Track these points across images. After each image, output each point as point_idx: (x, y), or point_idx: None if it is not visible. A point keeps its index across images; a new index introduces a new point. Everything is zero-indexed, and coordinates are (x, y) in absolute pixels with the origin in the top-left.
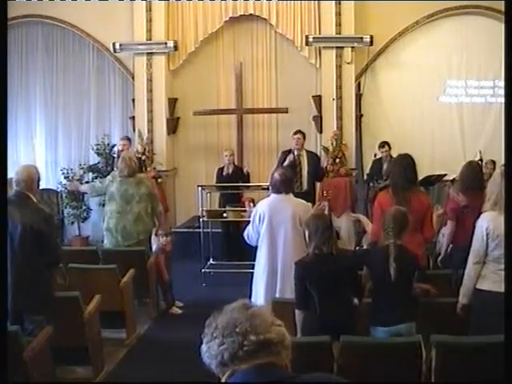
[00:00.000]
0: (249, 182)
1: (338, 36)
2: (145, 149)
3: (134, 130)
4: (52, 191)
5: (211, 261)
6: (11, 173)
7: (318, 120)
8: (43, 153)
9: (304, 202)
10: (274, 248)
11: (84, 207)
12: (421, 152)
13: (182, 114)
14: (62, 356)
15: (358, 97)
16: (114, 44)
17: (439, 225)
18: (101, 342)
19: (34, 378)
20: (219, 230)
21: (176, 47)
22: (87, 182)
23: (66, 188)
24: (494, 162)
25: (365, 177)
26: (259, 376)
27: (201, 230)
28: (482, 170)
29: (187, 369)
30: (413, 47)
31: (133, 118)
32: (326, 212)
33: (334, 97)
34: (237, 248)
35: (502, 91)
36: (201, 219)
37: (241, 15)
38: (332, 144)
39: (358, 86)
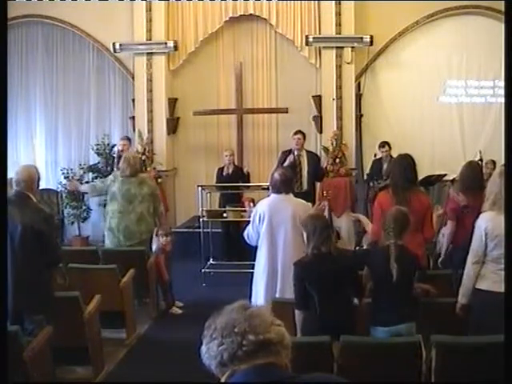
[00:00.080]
0: (249, 182)
1: (338, 36)
2: (145, 149)
3: (134, 130)
4: (52, 191)
5: (211, 261)
6: (11, 173)
7: (318, 120)
8: (43, 153)
9: (304, 201)
10: (274, 248)
11: (84, 207)
12: (421, 152)
13: (182, 114)
14: (62, 356)
15: (358, 97)
16: (114, 44)
17: (439, 225)
18: (101, 342)
19: (34, 378)
20: (219, 230)
21: (176, 47)
22: (87, 182)
23: (65, 188)
24: (494, 162)
25: (365, 177)
26: (259, 376)
27: (201, 229)
28: (482, 170)
29: (187, 369)
30: (413, 47)
31: (133, 117)
32: (326, 212)
33: (334, 97)
34: (237, 248)
35: (502, 91)
36: (201, 219)
37: (241, 15)
38: (332, 144)
39: (358, 86)
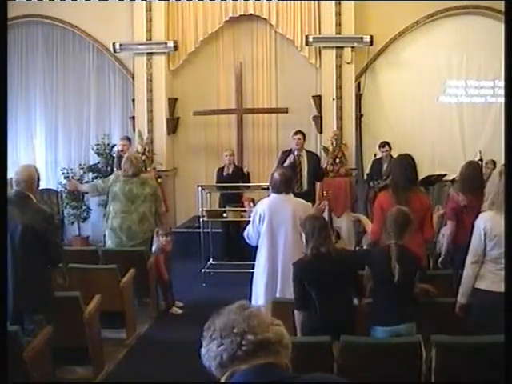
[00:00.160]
0: (249, 182)
1: (338, 36)
2: (145, 149)
3: (134, 130)
4: (52, 191)
5: (211, 261)
6: (11, 173)
7: (318, 120)
8: (43, 153)
9: (304, 201)
10: (274, 248)
11: (84, 207)
12: (421, 152)
13: (182, 114)
14: (62, 356)
15: (358, 97)
16: (114, 44)
17: (439, 225)
18: (101, 342)
19: (34, 378)
20: (219, 230)
21: (176, 47)
22: (87, 182)
23: (65, 188)
24: (494, 162)
25: (365, 177)
26: (259, 376)
27: (201, 229)
28: (482, 170)
29: (187, 369)
30: (413, 47)
31: (133, 117)
32: (326, 212)
33: (334, 97)
34: (237, 248)
35: (502, 91)
36: (201, 219)
37: (241, 15)
38: (332, 144)
39: (358, 86)
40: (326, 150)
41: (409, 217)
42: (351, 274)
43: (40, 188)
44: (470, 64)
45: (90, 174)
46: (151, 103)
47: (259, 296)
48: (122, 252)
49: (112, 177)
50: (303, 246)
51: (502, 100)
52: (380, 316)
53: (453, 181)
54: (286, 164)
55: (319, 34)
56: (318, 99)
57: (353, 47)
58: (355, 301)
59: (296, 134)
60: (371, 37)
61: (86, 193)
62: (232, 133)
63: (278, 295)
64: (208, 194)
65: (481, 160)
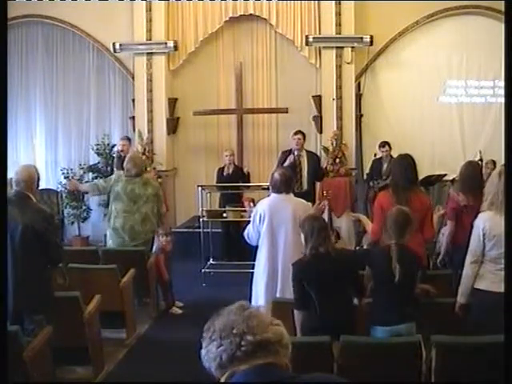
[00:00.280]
0: (249, 182)
1: (338, 36)
2: (145, 149)
3: (134, 130)
4: (52, 191)
5: (211, 261)
6: (11, 173)
7: (318, 120)
8: (43, 153)
9: (304, 201)
10: (275, 248)
11: (84, 207)
12: (421, 152)
13: (182, 114)
14: (62, 356)
15: (358, 97)
16: (114, 44)
17: (439, 225)
18: (101, 342)
19: (34, 378)
20: (219, 230)
21: (176, 47)
22: (87, 182)
23: (65, 188)
24: (494, 162)
25: (365, 177)
26: (259, 376)
27: (201, 229)
28: (482, 169)
29: (187, 369)
30: (413, 47)
31: (133, 118)
32: (326, 212)
33: (334, 97)
34: (237, 248)
35: (502, 91)
36: (201, 219)
37: (241, 15)
38: (332, 144)
39: (358, 86)
40: (326, 149)
41: (409, 217)
42: (351, 274)
43: (40, 188)
44: (470, 64)
45: (90, 173)
46: (151, 103)
47: (259, 296)
48: (122, 252)
49: (113, 176)
50: (303, 247)
51: (502, 100)
52: (380, 316)
53: (453, 181)
54: (286, 164)
55: (319, 34)
56: (318, 99)
57: (353, 47)
58: (355, 301)
59: (296, 134)
60: (371, 37)
61: (86, 192)
62: (232, 133)
63: (278, 295)
64: (208, 194)
65: (481, 160)
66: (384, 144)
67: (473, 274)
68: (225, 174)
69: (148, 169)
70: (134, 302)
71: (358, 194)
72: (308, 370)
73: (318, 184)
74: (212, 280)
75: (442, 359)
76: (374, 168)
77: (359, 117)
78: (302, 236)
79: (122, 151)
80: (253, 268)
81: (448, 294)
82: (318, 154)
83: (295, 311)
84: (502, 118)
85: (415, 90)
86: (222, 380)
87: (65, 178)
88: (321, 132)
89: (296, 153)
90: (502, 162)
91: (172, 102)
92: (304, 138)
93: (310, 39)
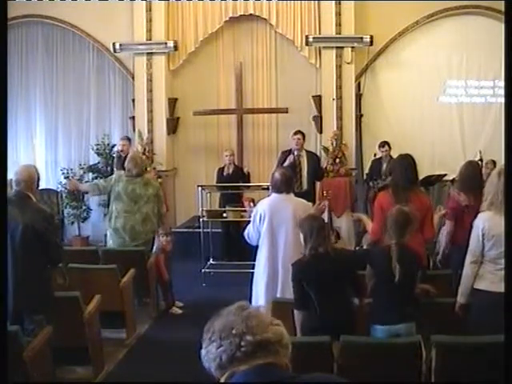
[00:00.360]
0: (249, 182)
1: (338, 36)
2: (145, 149)
3: (134, 130)
4: (52, 191)
5: (211, 261)
6: (11, 173)
7: (318, 120)
8: (43, 153)
9: (305, 201)
10: (275, 248)
11: (84, 207)
12: (421, 152)
13: (182, 114)
14: (62, 356)
15: (358, 97)
16: (114, 44)
17: (440, 225)
18: (101, 342)
19: (34, 378)
20: (219, 230)
21: (176, 47)
22: (87, 182)
23: (65, 188)
24: (494, 162)
25: (364, 177)
26: (259, 376)
27: (201, 229)
28: (482, 169)
29: (187, 369)
30: (413, 47)
31: (133, 117)
32: (326, 212)
33: (334, 97)
34: (237, 248)
35: (502, 91)
36: (201, 219)
37: (241, 15)
38: (332, 144)
39: (358, 86)
40: (326, 149)
41: (409, 216)
42: (350, 274)
43: (40, 188)
44: (470, 64)
45: (90, 174)
46: (151, 103)
47: (259, 296)
48: (122, 252)
49: (114, 176)
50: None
51: (502, 100)
52: (380, 315)
53: (453, 181)
54: (286, 164)
55: (319, 33)
56: (318, 99)
57: (353, 47)
58: (356, 301)
59: (295, 133)
60: (371, 37)
61: (86, 192)
62: (232, 133)
63: (278, 295)
64: (208, 194)
65: (481, 160)
66: (384, 144)
67: (472, 274)
68: (225, 173)
69: (148, 169)
70: (134, 302)
71: (357, 194)
72: (308, 370)
73: (317, 184)
74: (212, 280)
75: (442, 359)
76: (374, 168)
77: (359, 117)
78: (301, 236)
79: (121, 151)
80: (253, 268)
81: (448, 294)
82: (318, 154)
83: (295, 311)
84: (502, 118)
85: (415, 90)
86: (222, 380)
87: (65, 178)
88: (321, 132)
89: (296, 153)
90: (502, 162)
91: (172, 102)
92: (304, 138)
93: (310, 39)
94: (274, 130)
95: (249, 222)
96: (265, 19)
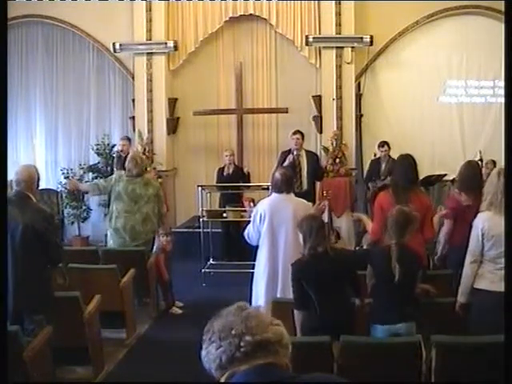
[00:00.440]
0: (249, 182)
1: (338, 36)
2: (145, 149)
3: (134, 130)
4: (52, 191)
5: (211, 261)
6: (11, 173)
7: (318, 120)
8: (43, 153)
9: (305, 201)
10: (275, 248)
11: (84, 207)
12: (421, 152)
13: (182, 114)
14: (62, 356)
15: (358, 97)
16: (114, 44)
17: (439, 225)
18: (101, 342)
19: (34, 378)
20: (219, 230)
21: (176, 47)
22: (87, 182)
23: (65, 188)
24: (494, 162)
25: (364, 177)
26: (259, 376)
27: (201, 229)
28: (481, 169)
29: (187, 369)
30: (413, 47)
31: (133, 117)
32: (327, 212)
33: (334, 97)
34: (237, 248)
35: (502, 91)
36: (201, 219)
37: (241, 15)
38: (332, 144)
39: (358, 86)
40: (326, 149)
41: (409, 216)
42: (350, 274)
43: (40, 188)
44: (470, 64)
45: (90, 174)
46: (151, 103)
47: (259, 296)
48: (122, 252)
49: (114, 176)
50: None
51: (502, 100)
52: (380, 315)
53: (453, 181)
54: (286, 164)
55: (319, 33)
56: (318, 99)
57: (353, 47)
58: (356, 301)
59: (295, 133)
60: (371, 37)
61: (87, 192)
62: (232, 133)
63: (278, 295)
64: (208, 194)
65: (481, 160)
66: (383, 144)
67: (472, 273)
68: (225, 173)
69: (148, 169)
70: (134, 302)
71: (357, 193)
72: (308, 370)
73: (317, 184)
74: (212, 280)
75: (442, 359)
76: (373, 168)
77: (359, 117)
78: (301, 236)
79: (121, 151)
80: (253, 268)
81: (448, 294)
82: (318, 154)
83: (295, 311)
84: (502, 118)
85: (415, 90)
86: (222, 379)
87: (65, 178)
88: (321, 132)
89: (295, 152)
90: (502, 161)
91: (172, 102)
92: (303, 138)
93: (310, 39)
94: (274, 130)
95: (249, 221)
96: (265, 19)
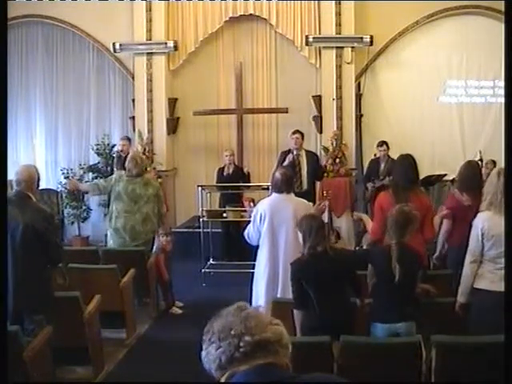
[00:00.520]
0: (249, 182)
1: (338, 36)
2: (145, 149)
3: (134, 130)
4: (52, 191)
5: (211, 261)
6: (11, 173)
7: (318, 120)
8: (43, 153)
9: (305, 201)
10: (275, 248)
11: (84, 207)
12: (421, 152)
13: (182, 114)
14: (62, 356)
15: (358, 97)
16: (114, 44)
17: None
18: (101, 342)
19: (34, 378)
20: (219, 230)
21: (176, 47)
22: (87, 182)
23: (65, 188)
24: (494, 162)
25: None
26: (259, 376)
27: (201, 229)
28: (481, 169)
29: (187, 369)
30: (413, 47)
31: (133, 118)
32: (327, 212)
33: (334, 97)
34: (237, 248)
35: (502, 91)
36: (201, 219)
37: (241, 15)
38: (332, 144)
39: (358, 86)
40: (326, 149)
41: (410, 216)
42: (349, 273)
43: (40, 188)
44: (470, 64)
45: (90, 173)
46: (151, 103)
47: (260, 296)
48: (122, 252)
49: (114, 176)
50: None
51: (502, 100)
52: (380, 314)
53: (453, 181)
54: (286, 163)
55: (319, 33)
56: (318, 99)
57: (353, 47)
58: (357, 301)
59: (294, 133)
60: (371, 37)
61: (87, 192)
62: (232, 133)
63: (278, 295)
64: (208, 194)
65: (481, 160)
66: (382, 143)
67: (472, 273)
68: (225, 173)
69: (148, 169)
70: (134, 302)
71: (357, 194)
72: (308, 370)
73: (317, 184)
74: (212, 280)
75: (442, 359)
76: (372, 168)
77: (359, 117)
78: (300, 235)
79: (121, 151)
80: (253, 268)
81: (448, 294)
82: (318, 154)
83: (294, 311)
84: (502, 118)
85: (415, 90)
86: (222, 380)
87: (65, 178)
88: (321, 132)
89: (295, 152)
90: (502, 161)
91: (172, 102)
92: (302, 138)
93: (310, 39)
94: (274, 130)
95: (249, 221)
96: (265, 19)
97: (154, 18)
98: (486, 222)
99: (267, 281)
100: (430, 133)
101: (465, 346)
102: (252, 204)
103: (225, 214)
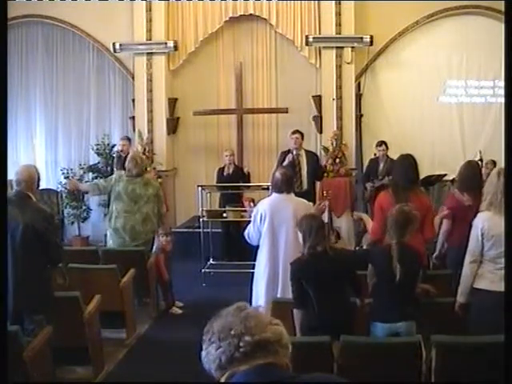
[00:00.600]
0: (249, 182)
1: (338, 36)
2: (145, 149)
3: (134, 130)
4: (52, 191)
5: (211, 261)
6: (11, 173)
7: (318, 120)
8: (43, 153)
9: (305, 201)
10: (275, 248)
11: (84, 207)
12: (421, 152)
13: (182, 114)
14: (62, 356)
15: (358, 97)
16: (114, 44)
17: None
18: (101, 342)
19: (34, 378)
20: (219, 230)
21: (176, 47)
22: (87, 182)
23: (65, 188)
24: (494, 162)
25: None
26: (259, 376)
27: (201, 229)
28: (482, 169)
29: (187, 369)
30: (413, 47)
31: (133, 118)
32: (327, 212)
33: (334, 97)
34: (237, 248)
35: (502, 91)
36: (201, 219)
37: (241, 15)
38: (332, 144)
39: (358, 86)
40: (326, 149)
41: (410, 216)
42: (349, 273)
43: (40, 188)
44: (470, 64)
45: (90, 173)
46: (151, 103)
47: (260, 296)
48: (122, 252)
49: (114, 176)
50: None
51: (502, 100)
52: (381, 314)
53: (453, 181)
54: (285, 163)
55: (319, 33)
56: (318, 99)
57: (353, 47)
58: (357, 301)
59: (294, 133)
60: (371, 37)
61: (87, 192)
62: (232, 133)
63: (279, 295)
64: (208, 194)
65: (481, 160)
66: (381, 143)
67: (472, 273)
68: (225, 173)
69: (148, 169)
70: (134, 302)
71: (357, 193)
72: (308, 370)
73: (317, 184)
74: (212, 280)
75: (442, 359)
76: (371, 168)
77: (359, 117)
78: (300, 235)
79: (121, 151)
80: (253, 268)
81: (448, 294)
82: (318, 154)
83: (294, 310)
84: (502, 118)
85: (415, 90)
86: (222, 380)
87: (65, 178)
88: (321, 132)
89: (295, 152)
90: (502, 161)
91: (172, 102)
92: (302, 138)
93: (310, 39)
94: (274, 130)
95: (249, 221)
96: (265, 19)
97: (153, 18)
98: (486, 222)
99: (267, 281)
100: (429, 133)
101: (465, 346)
102: (252, 204)
103: (225, 214)
